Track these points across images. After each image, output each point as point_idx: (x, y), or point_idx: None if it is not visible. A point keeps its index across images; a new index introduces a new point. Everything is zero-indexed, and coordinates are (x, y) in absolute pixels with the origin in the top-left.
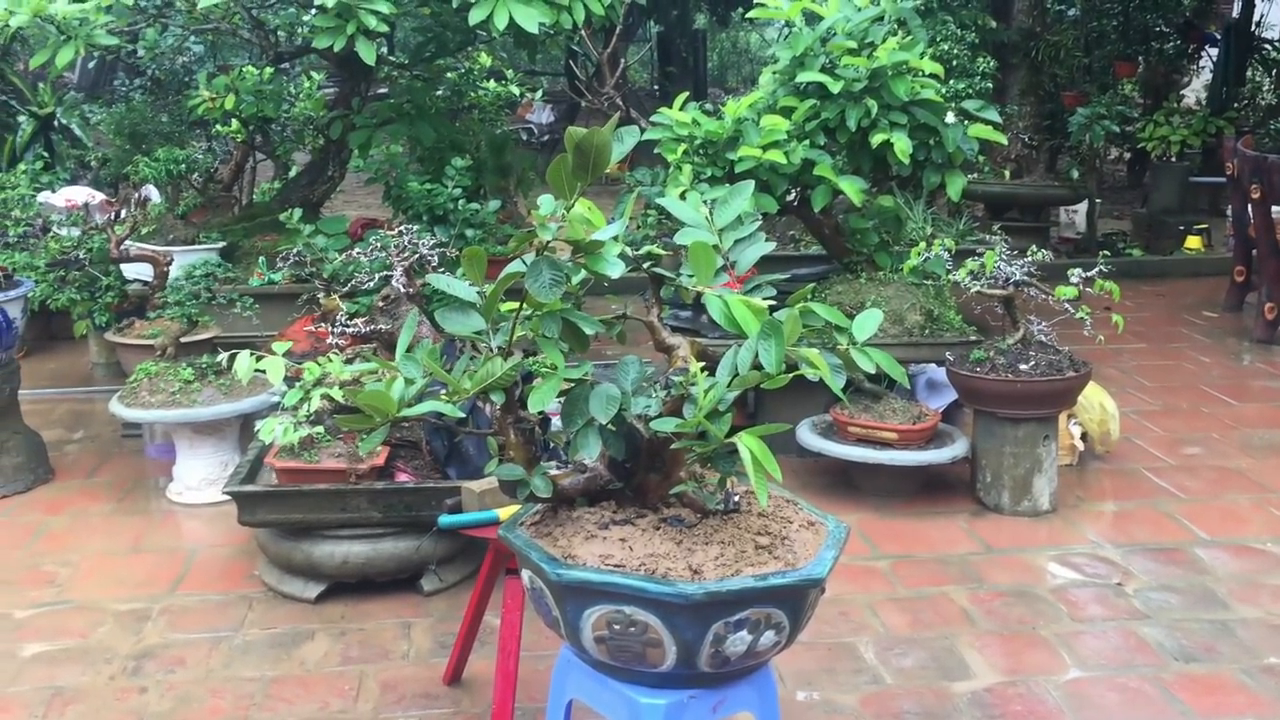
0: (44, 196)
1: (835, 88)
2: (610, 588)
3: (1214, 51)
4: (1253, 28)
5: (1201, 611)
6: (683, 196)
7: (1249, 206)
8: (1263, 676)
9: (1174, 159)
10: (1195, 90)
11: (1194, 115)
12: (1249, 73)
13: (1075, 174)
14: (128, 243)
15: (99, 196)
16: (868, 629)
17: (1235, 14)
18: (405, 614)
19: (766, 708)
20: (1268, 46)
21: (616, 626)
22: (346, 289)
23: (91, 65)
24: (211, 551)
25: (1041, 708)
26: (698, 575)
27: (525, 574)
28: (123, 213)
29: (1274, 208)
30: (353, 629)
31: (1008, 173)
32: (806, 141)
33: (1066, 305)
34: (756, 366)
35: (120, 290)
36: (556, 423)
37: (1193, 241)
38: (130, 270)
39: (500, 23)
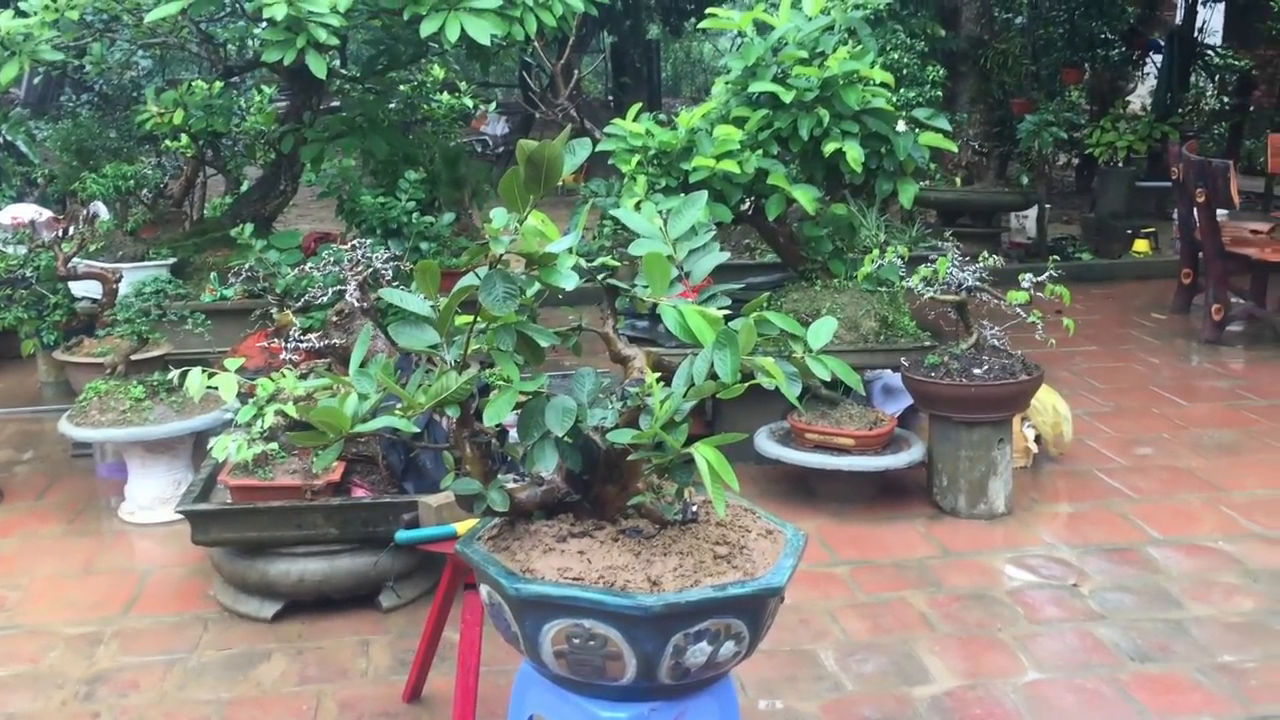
0: None
1: (787, 97)
2: (569, 601)
3: (1158, 58)
4: (1195, 34)
5: (1156, 611)
6: (637, 207)
7: (1194, 210)
8: (1217, 675)
9: (1121, 164)
10: (1140, 96)
11: (1139, 121)
12: (1192, 78)
13: (1025, 180)
14: (75, 260)
15: (45, 214)
16: (828, 636)
17: (1178, 21)
18: (363, 631)
19: (728, 717)
20: (1210, 53)
21: (576, 640)
22: (300, 304)
23: (37, 81)
24: (165, 572)
25: (1000, 710)
26: (656, 587)
27: (484, 589)
28: (70, 230)
29: (1219, 211)
30: (310, 648)
31: (959, 180)
32: (760, 151)
33: (1018, 310)
34: (713, 376)
35: (68, 308)
36: (513, 435)
37: (1140, 245)
38: (79, 288)
39: (452, 35)
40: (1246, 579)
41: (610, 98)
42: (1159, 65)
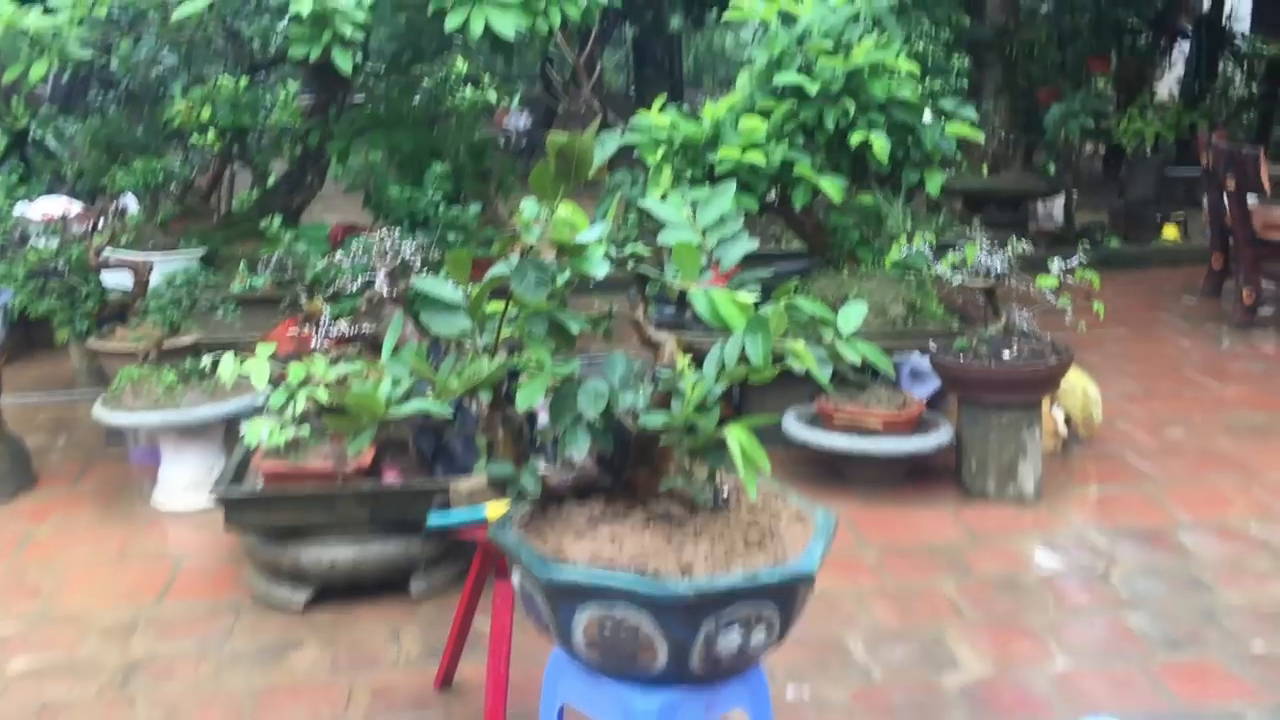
0: (20, 208)
1: (813, 89)
2: (600, 589)
3: (1186, 45)
4: (1223, 21)
5: (1187, 597)
6: (663, 198)
7: (1224, 197)
8: (1249, 664)
9: (1149, 152)
10: (1168, 84)
11: (1167, 109)
12: (1220, 66)
13: (1051, 169)
14: (107, 251)
15: (76, 207)
16: (857, 623)
17: (1205, 8)
18: (394, 619)
19: (758, 706)
20: (1238, 40)
21: (608, 628)
22: (329, 293)
23: (65, 78)
24: (198, 558)
25: (1031, 699)
26: (688, 572)
27: (515, 576)
28: (100, 223)
29: (1249, 197)
30: (342, 636)
31: (985, 169)
32: (785, 142)
33: (1047, 295)
34: (743, 360)
35: (100, 298)
36: (543, 420)
37: (1170, 231)
38: (110, 279)
39: (476, 29)
40: (1278, 564)
41: (632, 90)
42: (1187, 53)
